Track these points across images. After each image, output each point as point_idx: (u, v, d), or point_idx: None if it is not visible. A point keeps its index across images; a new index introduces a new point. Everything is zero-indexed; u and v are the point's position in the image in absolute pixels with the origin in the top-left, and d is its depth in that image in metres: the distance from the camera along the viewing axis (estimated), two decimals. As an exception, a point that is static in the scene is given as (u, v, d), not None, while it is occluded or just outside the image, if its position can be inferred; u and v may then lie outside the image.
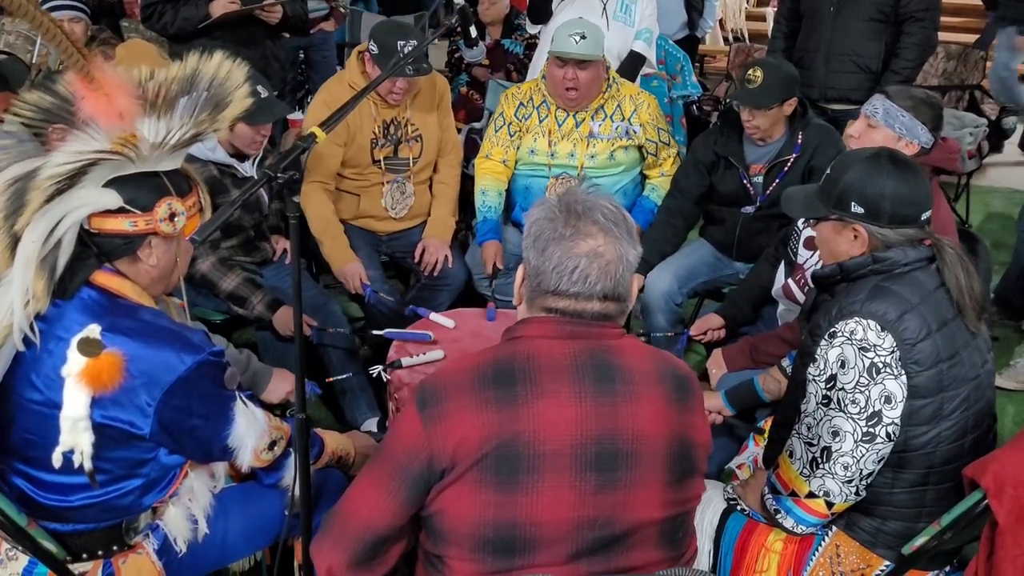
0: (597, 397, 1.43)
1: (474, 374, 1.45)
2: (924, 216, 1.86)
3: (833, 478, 1.80)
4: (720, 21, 6.68)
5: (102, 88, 1.55)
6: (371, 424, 2.98)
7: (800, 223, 2.68)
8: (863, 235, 1.86)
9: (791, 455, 1.88)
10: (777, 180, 3.02)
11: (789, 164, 3.00)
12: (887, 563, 1.87)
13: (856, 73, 3.84)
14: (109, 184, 1.59)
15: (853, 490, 1.80)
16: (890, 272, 1.82)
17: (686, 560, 1.57)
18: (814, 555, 1.92)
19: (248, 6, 3.68)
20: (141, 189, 1.61)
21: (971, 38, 7.31)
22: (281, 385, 2.36)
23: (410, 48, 2.98)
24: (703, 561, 2.00)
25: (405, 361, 2.55)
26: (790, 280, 2.70)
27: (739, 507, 2.04)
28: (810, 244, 2.62)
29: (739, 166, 3.07)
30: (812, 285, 2.03)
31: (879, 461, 1.79)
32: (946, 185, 5.14)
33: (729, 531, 2.02)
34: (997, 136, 5.19)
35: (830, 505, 1.82)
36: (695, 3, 5.41)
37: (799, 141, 2.99)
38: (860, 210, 1.85)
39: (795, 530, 1.89)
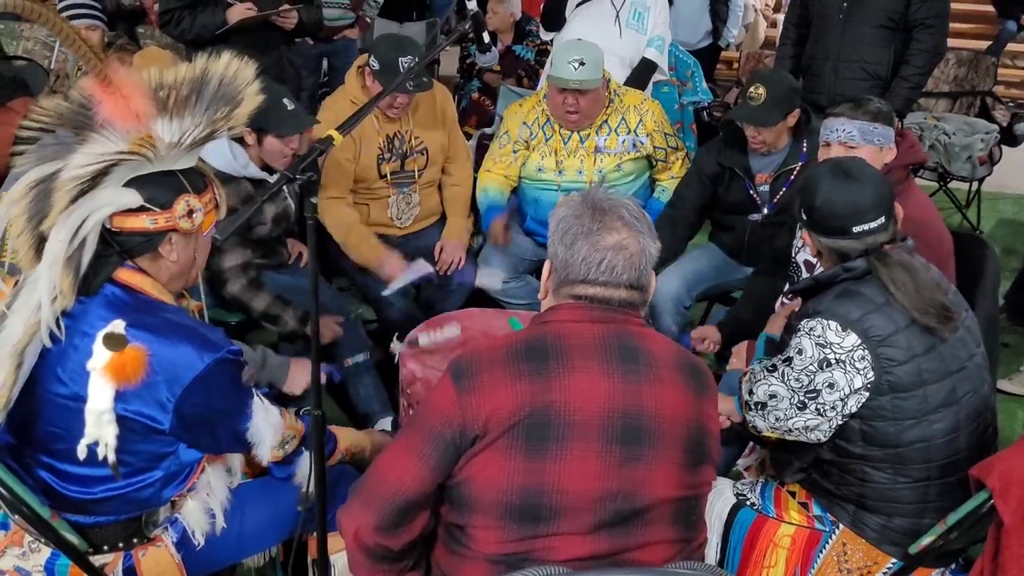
0: (624, 375, 1.50)
1: (508, 350, 1.52)
2: (856, 229, 1.89)
3: (764, 421, 1.96)
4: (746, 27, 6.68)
5: (119, 91, 1.59)
6: (385, 423, 3.01)
7: (793, 252, 2.70)
8: (807, 238, 1.98)
9: (741, 387, 2.03)
10: (784, 188, 3.02)
11: (795, 172, 3.00)
12: (894, 560, 1.89)
13: (865, 80, 3.83)
14: (129, 184, 1.64)
15: (777, 435, 1.95)
16: (859, 278, 1.89)
17: (698, 544, 1.62)
18: (821, 552, 1.95)
19: (264, 12, 3.73)
20: (160, 188, 1.66)
21: (982, 44, 7.32)
22: (301, 375, 2.38)
23: (411, 63, 2.99)
24: (711, 555, 2.03)
25: (423, 339, 2.56)
26: (785, 299, 2.73)
27: (748, 502, 2.07)
28: (808, 267, 2.64)
29: (744, 176, 3.08)
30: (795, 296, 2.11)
31: (805, 429, 1.90)
32: (956, 191, 5.17)
33: (738, 526, 2.05)
34: (1009, 142, 5.18)
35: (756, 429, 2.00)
36: (719, 12, 5.42)
37: (804, 149, 2.99)
38: (803, 217, 1.97)
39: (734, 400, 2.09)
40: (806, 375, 1.86)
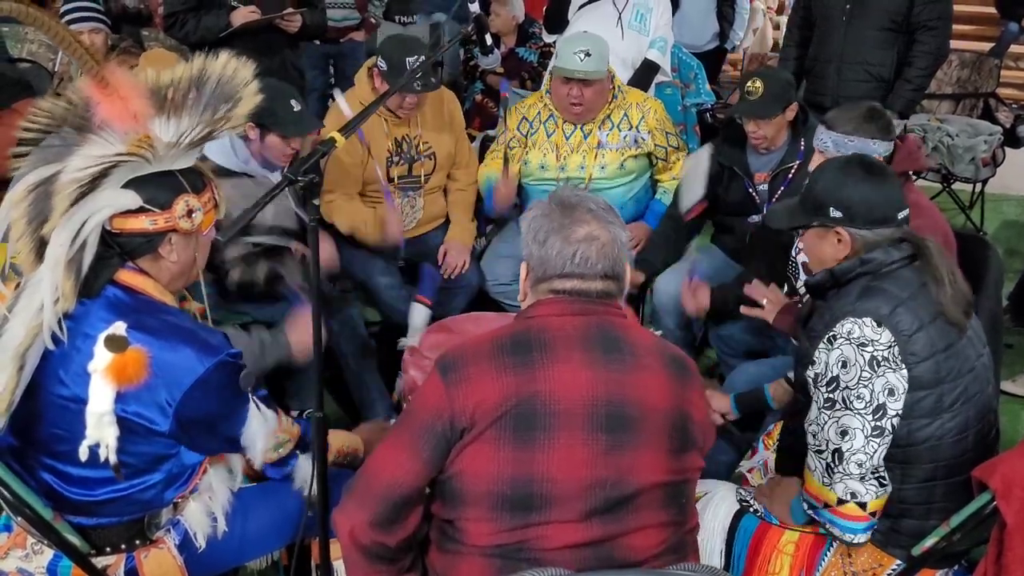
0: (607, 364, 1.53)
1: (492, 344, 1.55)
2: (900, 215, 1.93)
3: (851, 478, 1.81)
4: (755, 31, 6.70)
5: (116, 92, 1.60)
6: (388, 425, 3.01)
7: (794, 252, 2.69)
8: (845, 238, 1.93)
9: (810, 469, 1.90)
10: (783, 188, 3.01)
11: (793, 171, 2.99)
12: (898, 562, 1.89)
13: (868, 82, 3.83)
14: (128, 185, 1.64)
15: (875, 484, 1.82)
16: (878, 272, 1.88)
17: (689, 529, 1.66)
18: (826, 556, 1.94)
19: (268, 15, 3.73)
20: (159, 188, 1.66)
21: (985, 46, 7.30)
22: (302, 335, 2.34)
23: (419, 64, 3.00)
24: (715, 561, 2.02)
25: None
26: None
27: (752, 508, 2.06)
28: (808, 269, 2.64)
29: (744, 175, 3.07)
30: (807, 294, 2.07)
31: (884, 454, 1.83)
32: (960, 192, 5.16)
33: (742, 532, 2.04)
34: (1012, 143, 5.17)
35: (863, 506, 1.82)
36: (726, 15, 5.44)
37: (802, 147, 2.98)
38: (838, 214, 1.93)
39: (855, 540, 1.86)
40: (864, 387, 1.79)
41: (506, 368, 1.51)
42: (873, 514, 1.85)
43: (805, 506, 1.93)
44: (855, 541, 1.87)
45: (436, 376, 1.55)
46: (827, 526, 1.89)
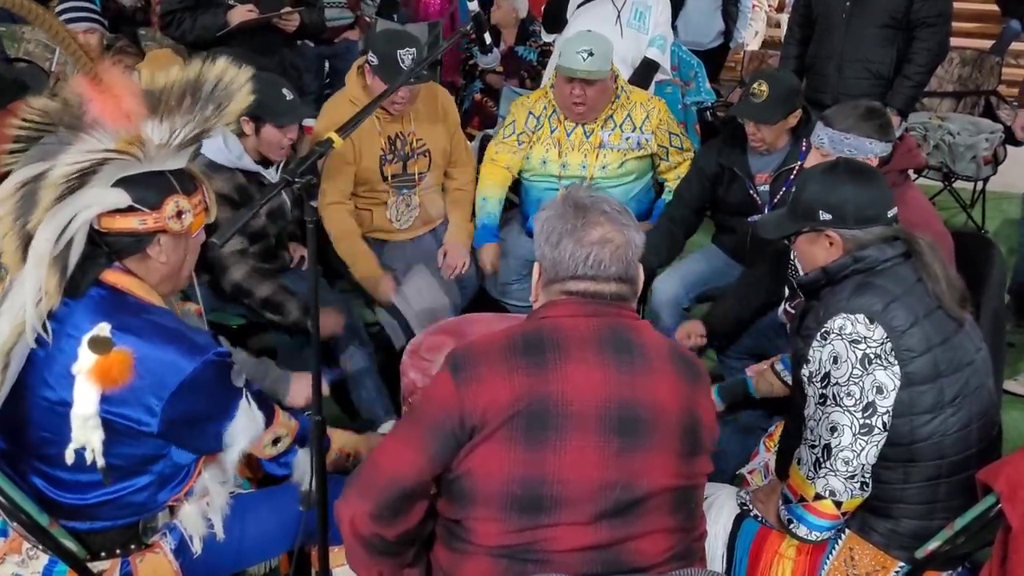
0: (619, 367, 1.52)
1: (504, 344, 1.54)
2: (890, 214, 1.94)
3: (836, 475, 1.82)
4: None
5: (110, 90, 1.58)
6: (388, 427, 2.99)
7: (793, 253, 2.68)
8: (837, 240, 1.94)
9: (799, 462, 1.91)
10: (784, 188, 3.00)
11: (795, 172, 2.98)
12: (901, 564, 1.87)
13: (869, 79, 3.83)
14: (117, 184, 1.62)
15: (857, 485, 1.83)
16: (871, 269, 1.89)
17: (697, 536, 1.65)
18: (828, 559, 1.93)
19: (266, 15, 3.71)
20: (149, 188, 1.65)
21: (986, 44, 7.29)
22: (302, 388, 2.37)
23: (410, 56, 2.98)
24: (716, 566, 2.01)
25: None
26: (787, 305, 2.72)
27: (752, 513, 2.05)
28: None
29: (744, 176, 3.07)
30: (799, 292, 2.07)
31: (878, 454, 1.83)
32: (961, 191, 5.15)
33: (743, 537, 2.03)
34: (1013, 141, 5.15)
35: (838, 504, 1.84)
36: (731, 13, 5.42)
37: (803, 148, 2.96)
38: (828, 217, 1.94)
39: (809, 537, 1.90)
40: (855, 384, 1.80)
41: (518, 368, 1.51)
42: (844, 513, 1.86)
43: (780, 501, 1.94)
44: (809, 538, 1.90)
45: (447, 373, 1.54)
46: (791, 525, 1.90)
